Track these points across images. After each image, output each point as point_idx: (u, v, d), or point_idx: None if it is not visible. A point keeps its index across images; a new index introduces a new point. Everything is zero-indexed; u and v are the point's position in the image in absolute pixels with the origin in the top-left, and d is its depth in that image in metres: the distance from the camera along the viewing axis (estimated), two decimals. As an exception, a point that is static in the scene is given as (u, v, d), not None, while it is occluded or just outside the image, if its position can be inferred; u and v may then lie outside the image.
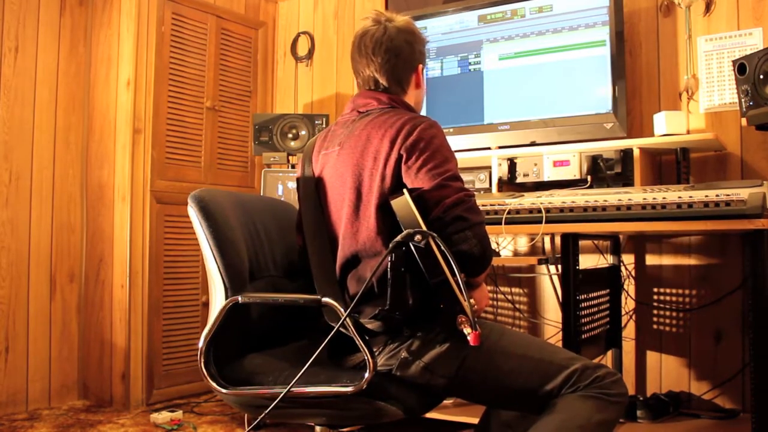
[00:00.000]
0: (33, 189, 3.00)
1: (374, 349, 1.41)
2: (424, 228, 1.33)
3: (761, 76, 2.14)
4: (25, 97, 2.99)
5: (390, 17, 1.62)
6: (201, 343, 1.38)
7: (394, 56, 1.59)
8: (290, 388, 1.31)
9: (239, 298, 1.40)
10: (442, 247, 1.31)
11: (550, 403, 1.38)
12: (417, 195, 1.39)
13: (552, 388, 1.39)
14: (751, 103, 2.18)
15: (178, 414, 2.77)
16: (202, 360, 1.39)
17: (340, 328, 1.33)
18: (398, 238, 1.31)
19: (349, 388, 1.32)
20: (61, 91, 3.13)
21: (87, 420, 2.79)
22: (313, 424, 1.55)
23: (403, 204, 1.37)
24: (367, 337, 1.39)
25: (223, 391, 1.39)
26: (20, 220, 2.95)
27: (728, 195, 1.87)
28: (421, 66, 1.66)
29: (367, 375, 1.31)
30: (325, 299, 1.38)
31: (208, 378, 1.39)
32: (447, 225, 1.37)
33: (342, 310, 1.33)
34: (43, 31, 3.05)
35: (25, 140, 2.99)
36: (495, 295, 3.00)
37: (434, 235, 1.31)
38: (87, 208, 3.18)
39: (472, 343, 1.29)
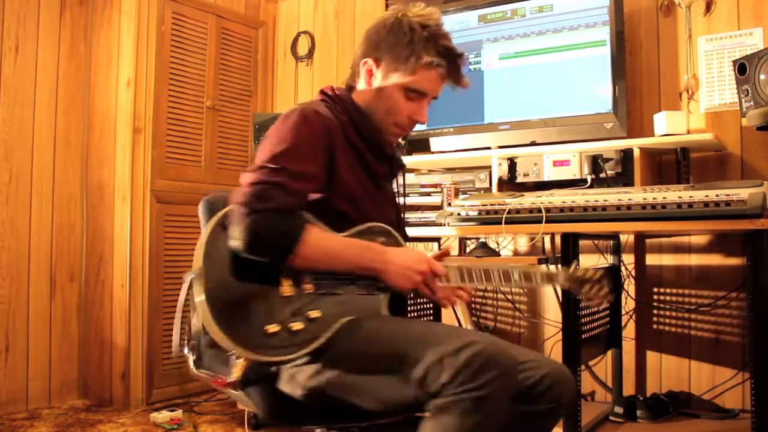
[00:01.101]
0: (33, 188, 3.00)
1: None
2: (208, 230, 1.31)
3: (761, 76, 2.14)
4: (25, 97, 2.99)
5: (404, 9, 1.44)
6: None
7: (359, 47, 1.49)
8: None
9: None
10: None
11: None
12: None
13: (416, 397, 1.19)
14: (751, 103, 2.18)
15: (178, 413, 2.77)
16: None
17: None
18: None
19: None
20: (61, 90, 3.13)
21: (87, 419, 2.79)
22: (313, 425, 1.55)
23: None
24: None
25: (195, 370, 1.41)
26: (20, 219, 2.95)
27: (728, 195, 1.87)
28: (369, 60, 1.45)
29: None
30: None
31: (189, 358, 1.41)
32: (231, 218, 1.27)
33: None
34: (43, 31, 3.04)
35: (26, 140, 2.99)
36: (495, 295, 3.00)
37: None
38: (87, 208, 3.18)
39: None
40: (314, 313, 1.30)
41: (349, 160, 1.44)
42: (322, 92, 1.51)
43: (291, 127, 1.35)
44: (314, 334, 1.29)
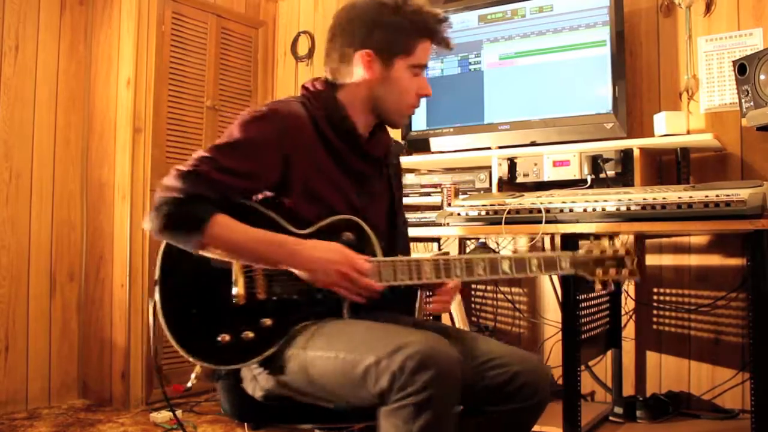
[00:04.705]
0: (33, 187, 3.00)
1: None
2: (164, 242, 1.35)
3: (761, 77, 2.14)
4: (26, 96, 2.98)
5: None
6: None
7: (329, 39, 1.51)
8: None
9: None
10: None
11: None
12: None
13: (370, 399, 1.18)
14: (751, 104, 2.18)
15: (178, 413, 2.77)
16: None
17: None
18: None
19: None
20: (61, 89, 3.12)
21: (87, 419, 2.79)
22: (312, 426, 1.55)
23: None
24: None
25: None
26: (20, 218, 2.95)
27: (728, 195, 1.87)
28: (365, 50, 1.41)
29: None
30: None
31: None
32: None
33: None
34: (43, 30, 3.04)
35: (26, 139, 2.98)
36: (495, 295, 3.00)
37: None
38: (87, 207, 3.18)
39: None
40: (267, 321, 1.32)
41: (319, 157, 1.40)
42: (303, 86, 1.49)
43: (242, 124, 1.34)
44: (266, 343, 1.31)
